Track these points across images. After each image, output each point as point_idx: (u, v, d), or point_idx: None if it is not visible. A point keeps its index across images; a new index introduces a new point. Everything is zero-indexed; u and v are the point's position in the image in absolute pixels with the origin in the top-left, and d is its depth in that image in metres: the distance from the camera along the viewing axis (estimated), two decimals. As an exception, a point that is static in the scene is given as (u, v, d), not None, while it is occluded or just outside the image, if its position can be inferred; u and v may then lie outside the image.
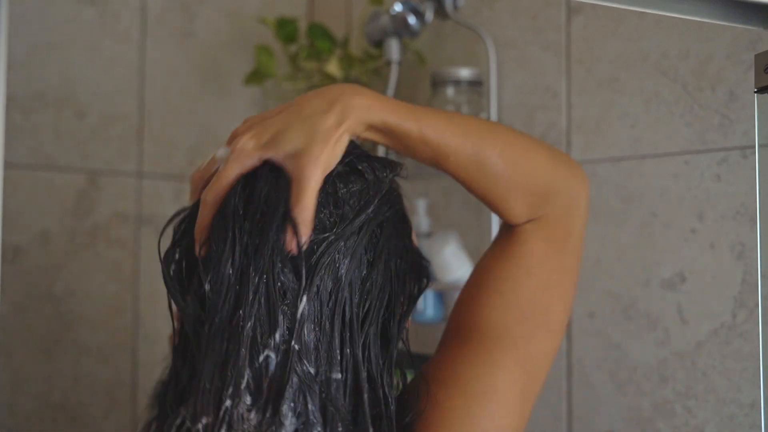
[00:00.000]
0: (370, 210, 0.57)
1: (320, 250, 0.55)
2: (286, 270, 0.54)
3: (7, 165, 1.16)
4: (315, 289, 0.55)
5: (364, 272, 0.57)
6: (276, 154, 0.57)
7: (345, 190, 0.58)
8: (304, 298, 0.54)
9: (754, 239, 0.85)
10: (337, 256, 0.56)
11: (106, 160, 1.27)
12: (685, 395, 0.91)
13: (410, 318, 0.63)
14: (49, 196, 1.22)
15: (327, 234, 0.56)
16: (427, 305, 1.12)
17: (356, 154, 0.61)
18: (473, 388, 0.61)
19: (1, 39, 0.45)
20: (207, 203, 0.57)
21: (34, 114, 1.21)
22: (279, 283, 0.54)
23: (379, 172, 0.60)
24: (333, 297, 0.55)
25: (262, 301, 0.54)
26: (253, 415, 0.53)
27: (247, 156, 0.58)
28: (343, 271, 0.56)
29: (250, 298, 0.53)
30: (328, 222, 0.56)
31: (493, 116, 1.12)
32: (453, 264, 1.08)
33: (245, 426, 0.52)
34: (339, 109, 0.58)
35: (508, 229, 0.68)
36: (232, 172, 0.58)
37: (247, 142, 0.58)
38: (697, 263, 0.91)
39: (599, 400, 0.99)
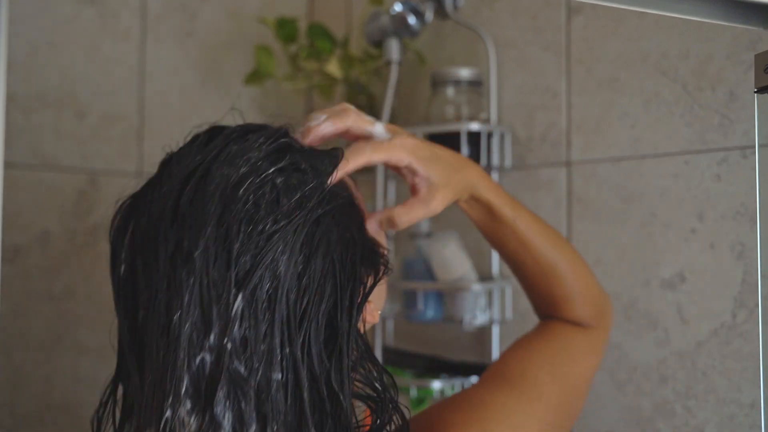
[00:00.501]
0: (309, 205, 0.56)
1: (259, 246, 0.53)
2: (220, 269, 0.53)
3: (7, 165, 1.16)
4: (251, 287, 0.53)
5: (300, 268, 0.55)
6: (418, 166, 0.66)
7: (285, 186, 0.56)
8: (239, 297, 0.52)
9: (754, 239, 0.85)
10: (276, 254, 0.54)
11: (106, 160, 1.27)
12: (685, 395, 0.91)
13: (378, 310, 0.63)
14: (49, 196, 1.22)
15: (267, 229, 0.54)
16: (427, 305, 1.11)
17: (299, 152, 0.60)
18: (495, 414, 0.66)
19: (1, 39, 0.45)
20: (348, 164, 0.62)
21: (34, 114, 1.21)
22: (212, 284, 0.53)
23: (321, 167, 0.59)
24: (270, 296, 0.53)
25: (196, 303, 0.52)
26: (193, 419, 0.52)
27: (400, 150, 0.65)
28: (282, 269, 0.54)
29: (185, 301, 0.52)
30: (270, 220, 0.55)
31: (493, 116, 1.12)
32: (453, 264, 1.07)
33: (186, 431, 0.52)
34: (469, 170, 0.70)
35: (560, 321, 0.80)
36: (378, 157, 0.64)
37: (407, 142, 0.66)
38: (697, 263, 0.91)
39: (599, 400, 0.99)
